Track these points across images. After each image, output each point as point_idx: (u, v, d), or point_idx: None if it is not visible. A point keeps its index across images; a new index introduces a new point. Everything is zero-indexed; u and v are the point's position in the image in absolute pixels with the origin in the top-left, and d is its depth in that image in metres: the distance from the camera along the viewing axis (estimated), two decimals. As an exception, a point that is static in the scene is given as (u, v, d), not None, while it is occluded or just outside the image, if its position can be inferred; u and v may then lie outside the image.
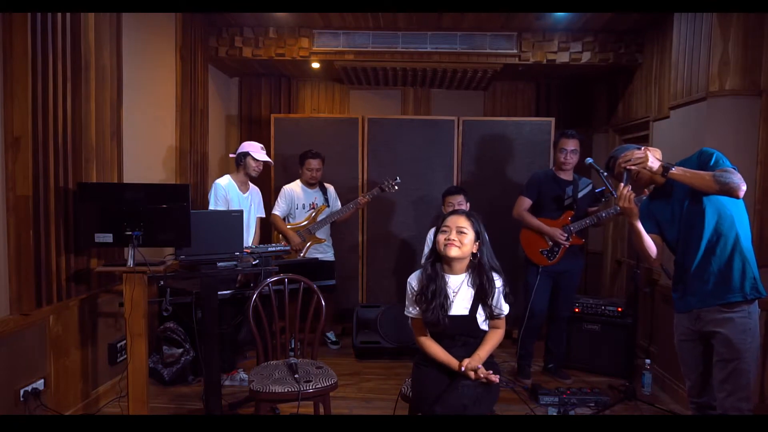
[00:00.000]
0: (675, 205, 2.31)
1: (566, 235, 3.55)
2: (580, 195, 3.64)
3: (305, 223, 4.11)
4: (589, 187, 3.71)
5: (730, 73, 3.11)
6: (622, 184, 2.26)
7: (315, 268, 4.10)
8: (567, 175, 3.67)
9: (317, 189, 4.20)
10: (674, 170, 2.13)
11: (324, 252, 4.18)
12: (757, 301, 2.19)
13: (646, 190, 2.46)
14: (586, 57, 4.55)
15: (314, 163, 4.08)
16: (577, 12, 4.03)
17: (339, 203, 4.27)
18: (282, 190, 4.18)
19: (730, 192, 2.05)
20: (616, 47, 4.49)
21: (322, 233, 4.17)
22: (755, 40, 3.08)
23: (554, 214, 3.62)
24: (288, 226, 4.10)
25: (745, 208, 2.24)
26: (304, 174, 4.13)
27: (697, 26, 3.30)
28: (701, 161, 2.19)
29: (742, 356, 2.09)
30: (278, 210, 4.13)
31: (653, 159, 2.18)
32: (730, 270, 2.15)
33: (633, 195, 2.22)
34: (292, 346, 3.29)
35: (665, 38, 3.98)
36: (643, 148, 2.28)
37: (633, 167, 2.23)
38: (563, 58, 4.56)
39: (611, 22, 4.26)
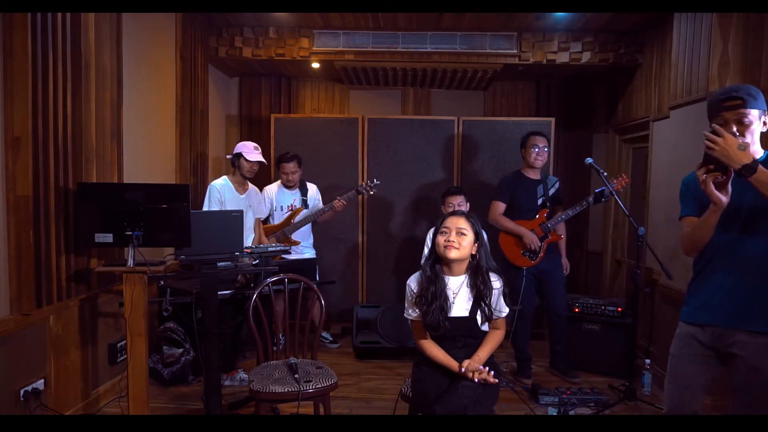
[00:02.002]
0: (734, 191, 1.81)
1: (540, 244, 3.59)
2: (550, 193, 3.68)
3: (281, 225, 4.06)
4: (558, 184, 3.77)
5: (730, 73, 3.11)
6: (697, 166, 1.77)
7: (294, 268, 4.04)
8: (535, 174, 3.72)
9: (296, 190, 4.15)
10: (758, 175, 1.66)
11: (301, 253, 4.11)
12: None
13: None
14: (586, 57, 4.55)
15: (288, 167, 4.00)
16: (577, 12, 4.04)
17: (320, 203, 4.20)
18: (262, 191, 4.12)
19: None
20: (616, 47, 4.49)
21: (299, 235, 4.10)
22: (755, 40, 3.08)
23: (530, 214, 3.65)
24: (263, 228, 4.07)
25: None
26: (281, 177, 4.09)
27: (697, 26, 3.31)
28: None
29: None
30: (262, 213, 4.11)
31: (733, 152, 1.67)
32: None
33: (711, 178, 1.73)
34: (282, 341, 3.28)
35: (665, 38, 3.98)
36: (737, 136, 1.75)
37: (708, 152, 1.72)
38: (563, 58, 4.56)
39: (611, 22, 4.27)
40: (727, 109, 1.82)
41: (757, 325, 1.83)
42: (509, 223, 3.64)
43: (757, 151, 1.85)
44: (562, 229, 3.79)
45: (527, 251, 3.62)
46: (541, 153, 3.63)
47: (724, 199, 1.74)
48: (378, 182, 4.07)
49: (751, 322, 1.83)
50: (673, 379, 2.02)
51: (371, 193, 4.09)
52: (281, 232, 4.01)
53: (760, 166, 1.65)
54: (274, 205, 4.10)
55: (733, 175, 1.71)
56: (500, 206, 3.69)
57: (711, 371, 1.96)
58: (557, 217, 3.63)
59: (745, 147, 1.66)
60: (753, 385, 1.84)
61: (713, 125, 1.74)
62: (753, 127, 1.80)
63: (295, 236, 4.08)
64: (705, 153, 1.71)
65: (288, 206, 4.10)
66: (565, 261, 3.87)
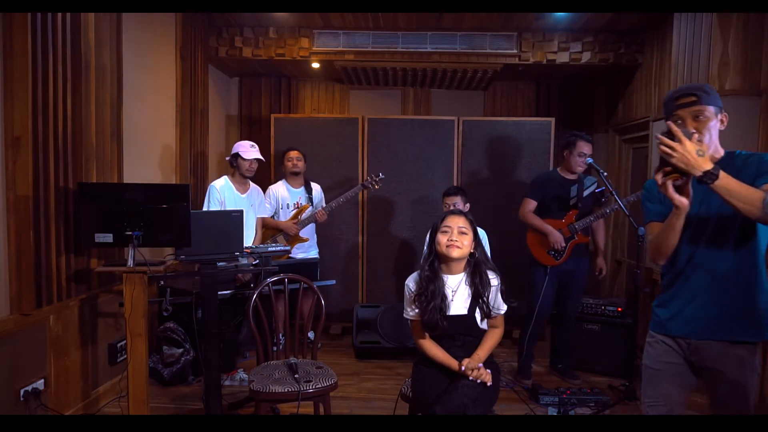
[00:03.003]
0: (699, 197, 1.77)
1: (564, 244, 3.57)
2: (585, 194, 3.65)
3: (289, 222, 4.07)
4: (594, 186, 3.72)
5: (730, 73, 3.12)
6: (655, 170, 1.68)
7: (297, 269, 4.05)
8: (572, 175, 3.67)
9: (302, 188, 4.16)
10: (720, 181, 1.56)
11: (306, 251, 4.13)
12: None
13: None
14: (586, 57, 4.55)
15: (293, 153, 4.09)
16: (577, 12, 4.04)
17: (324, 203, 4.22)
18: (267, 190, 4.14)
19: None
20: (616, 47, 4.49)
21: (306, 232, 4.12)
22: (755, 40, 3.09)
23: (559, 214, 3.64)
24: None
25: None
26: (286, 167, 4.12)
27: (697, 26, 3.31)
28: (762, 169, 1.70)
29: (749, 400, 1.78)
30: (265, 212, 4.12)
31: (692, 159, 1.56)
32: (754, 304, 1.77)
33: (671, 180, 1.63)
34: (282, 341, 3.26)
35: (665, 38, 3.98)
36: (693, 134, 1.62)
37: (666, 158, 1.61)
38: (563, 58, 4.56)
39: (611, 22, 4.27)
40: (681, 107, 1.78)
41: (733, 335, 1.77)
42: (537, 221, 3.63)
43: (718, 151, 1.81)
44: (601, 230, 3.77)
45: (552, 250, 3.62)
46: (585, 161, 3.57)
47: (686, 201, 1.65)
48: (383, 176, 4.09)
49: (727, 332, 1.78)
50: (653, 394, 1.94)
51: (377, 187, 4.09)
52: None
53: (722, 172, 1.56)
54: (280, 203, 4.11)
55: (692, 177, 1.62)
56: (531, 203, 3.68)
57: (689, 385, 1.89)
58: (586, 219, 3.58)
59: (703, 152, 1.58)
60: (733, 399, 1.79)
61: (668, 123, 1.66)
62: (710, 124, 1.75)
63: (302, 234, 4.10)
64: (661, 157, 1.61)
65: (294, 204, 4.11)
66: (600, 261, 3.82)
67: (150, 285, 3.03)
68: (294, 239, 4.04)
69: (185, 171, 4.25)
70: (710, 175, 1.56)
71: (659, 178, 1.64)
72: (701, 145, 1.59)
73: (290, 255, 4.03)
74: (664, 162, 1.61)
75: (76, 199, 2.82)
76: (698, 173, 1.56)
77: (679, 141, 1.58)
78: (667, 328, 1.89)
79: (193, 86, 4.33)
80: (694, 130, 1.70)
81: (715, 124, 1.77)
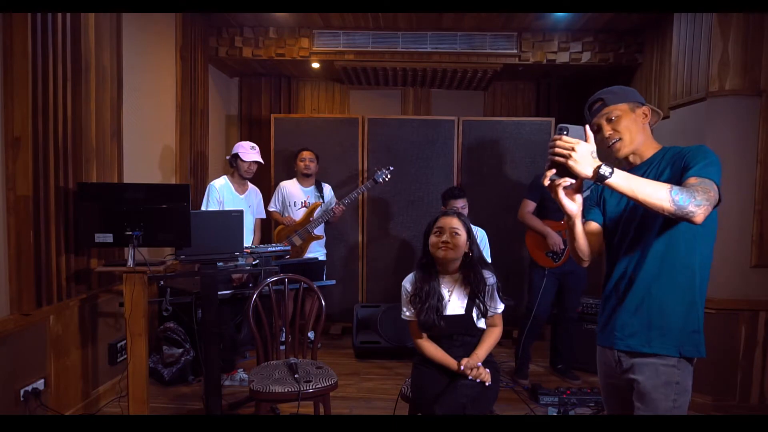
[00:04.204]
0: (624, 202, 1.75)
1: (563, 247, 3.57)
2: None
3: (301, 221, 4.09)
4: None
5: (730, 73, 3.11)
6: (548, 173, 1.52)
7: (303, 269, 4.07)
8: None
9: (313, 187, 4.18)
10: (613, 179, 1.43)
11: (314, 251, 4.14)
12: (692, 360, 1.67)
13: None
14: (586, 57, 4.55)
15: (306, 154, 4.13)
16: (577, 12, 4.04)
17: (334, 203, 4.25)
18: (278, 186, 4.22)
19: (688, 219, 1.45)
20: (616, 47, 4.50)
21: (320, 230, 4.15)
22: (755, 40, 3.09)
23: (558, 215, 3.63)
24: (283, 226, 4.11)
25: (715, 229, 1.67)
26: (298, 166, 4.15)
27: (697, 26, 3.31)
28: (688, 161, 1.60)
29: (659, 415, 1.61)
30: (272, 206, 4.18)
31: (581, 160, 1.43)
32: (667, 313, 1.64)
33: (563, 183, 1.52)
34: (283, 339, 3.27)
35: (665, 38, 3.98)
36: (587, 134, 1.51)
37: (556, 158, 1.46)
38: (563, 58, 4.56)
39: (611, 22, 4.27)
40: (594, 114, 1.75)
41: (647, 345, 1.66)
42: (536, 222, 3.62)
43: (652, 146, 1.74)
44: None
45: (551, 252, 3.62)
46: None
47: (574, 208, 1.57)
48: (392, 168, 4.10)
49: (641, 343, 1.68)
50: (609, 410, 1.91)
51: (387, 179, 4.08)
52: (304, 229, 4.03)
53: (618, 170, 1.44)
54: (287, 200, 4.13)
55: (583, 180, 1.50)
56: (530, 204, 3.68)
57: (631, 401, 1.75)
58: None
59: (595, 153, 1.48)
60: (645, 414, 1.67)
61: (560, 125, 1.53)
62: (625, 122, 1.69)
63: (317, 232, 4.12)
64: (554, 161, 1.47)
65: (302, 202, 4.12)
66: None
67: (150, 285, 3.03)
68: (310, 237, 4.05)
69: (185, 171, 4.25)
70: (607, 168, 1.43)
71: (547, 181, 1.51)
72: (592, 145, 1.48)
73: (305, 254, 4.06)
74: (554, 164, 1.49)
75: (76, 199, 2.82)
76: (589, 173, 1.43)
77: (565, 148, 1.45)
78: (600, 338, 1.85)
79: (193, 86, 4.33)
80: (612, 129, 1.70)
81: (633, 120, 1.70)
